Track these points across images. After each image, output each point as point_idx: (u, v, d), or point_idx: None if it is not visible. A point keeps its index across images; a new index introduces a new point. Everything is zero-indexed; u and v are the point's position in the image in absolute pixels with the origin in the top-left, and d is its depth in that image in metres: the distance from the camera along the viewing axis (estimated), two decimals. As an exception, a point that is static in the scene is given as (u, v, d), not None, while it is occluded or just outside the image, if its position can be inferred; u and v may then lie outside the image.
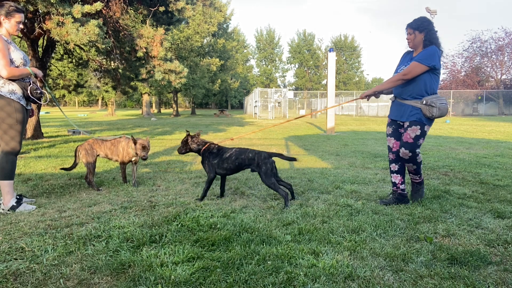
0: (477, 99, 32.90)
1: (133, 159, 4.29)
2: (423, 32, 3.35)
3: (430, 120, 3.40)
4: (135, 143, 4.17)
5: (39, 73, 3.56)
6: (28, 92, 3.38)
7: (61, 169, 4.49)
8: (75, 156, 4.27)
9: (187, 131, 3.97)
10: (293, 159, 3.90)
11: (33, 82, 3.49)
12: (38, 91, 3.48)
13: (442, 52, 3.40)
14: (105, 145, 4.27)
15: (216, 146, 3.79)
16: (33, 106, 3.76)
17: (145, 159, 4.19)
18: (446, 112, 3.39)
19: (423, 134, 3.40)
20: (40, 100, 3.50)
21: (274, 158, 3.63)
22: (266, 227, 2.85)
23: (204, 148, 3.78)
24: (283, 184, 3.71)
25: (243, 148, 3.70)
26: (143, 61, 9.76)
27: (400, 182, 3.57)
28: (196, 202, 3.61)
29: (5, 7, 3.35)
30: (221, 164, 3.66)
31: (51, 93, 4.14)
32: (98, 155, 4.28)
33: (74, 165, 4.32)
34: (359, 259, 2.31)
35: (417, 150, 3.44)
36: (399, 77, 3.39)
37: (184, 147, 3.86)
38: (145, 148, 4.18)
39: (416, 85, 3.39)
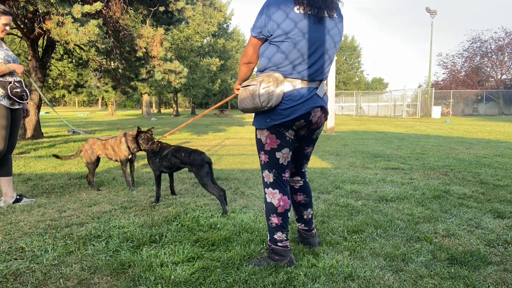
0: (477, 99, 32.87)
1: (129, 156, 4.18)
2: None
3: (259, 121, 2.14)
4: (125, 135, 4.04)
5: (19, 68, 3.39)
6: (8, 91, 3.29)
7: (53, 155, 4.57)
8: (77, 152, 4.32)
9: (138, 127, 3.94)
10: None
11: (16, 81, 3.37)
12: (19, 90, 3.35)
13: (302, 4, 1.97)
14: (105, 145, 4.26)
15: (159, 144, 3.75)
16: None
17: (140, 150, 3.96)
18: (246, 103, 2.08)
19: (258, 145, 2.21)
20: (22, 99, 3.41)
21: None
22: (266, 227, 2.85)
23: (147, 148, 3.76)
24: (217, 187, 3.53)
25: (178, 147, 3.65)
26: (143, 61, 9.76)
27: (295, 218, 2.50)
28: (196, 202, 3.61)
29: None
30: (161, 162, 3.64)
31: (38, 90, 4.10)
32: (99, 155, 4.27)
33: (68, 157, 4.41)
34: (359, 259, 2.31)
35: (263, 175, 2.23)
36: (240, 62, 2.22)
37: (136, 145, 3.87)
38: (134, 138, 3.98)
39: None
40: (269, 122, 2.08)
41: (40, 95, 9.62)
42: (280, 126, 2.08)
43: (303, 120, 2.09)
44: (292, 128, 2.11)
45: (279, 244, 2.20)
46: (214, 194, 3.33)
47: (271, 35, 2.00)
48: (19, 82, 3.42)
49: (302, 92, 2.04)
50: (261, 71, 2.10)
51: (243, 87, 2.12)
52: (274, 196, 2.19)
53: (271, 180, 2.19)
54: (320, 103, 2.10)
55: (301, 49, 2.00)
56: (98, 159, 4.28)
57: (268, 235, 2.24)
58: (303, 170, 2.42)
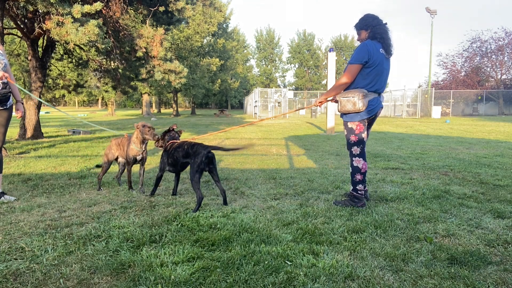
0: (477, 99, 32.84)
1: (138, 157, 4.04)
2: (368, 30, 3.48)
3: (354, 118, 3.39)
4: (143, 126, 3.91)
5: None
6: None
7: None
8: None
9: (173, 126, 3.92)
10: (235, 149, 3.78)
11: None
12: None
13: (388, 45, 3.40)
14: (119, 145, 4.21)
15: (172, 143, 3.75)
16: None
17: (157, 137, 3.87)
18: (348, 108, 3.33)
19: (350, 131, 3.47)
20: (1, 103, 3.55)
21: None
22: (266, 227, 2.85)
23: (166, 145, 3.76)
24: (218, 186, 3.53)
25: (182, 141, 3.64)
26: (143, 61, 9.76)
27: None
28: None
29: None
30: (168, 159, 3.63)
31: (27, 92, 4.21)
32: (118, 156, 4.26)
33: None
34: (359, 259, 2.32)
35: (352, 150, 3.47)
36: (341, 83, 3.45)
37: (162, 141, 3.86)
38: (150, 128, 3.90)
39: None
40: (361, 117, 3.38)
41: (39, 96, 9.62)
42: (366, 119, 3.42)
43: (375, 115, 3.50)
44: (368, 118, 3.45)
45: (359, 192, 3.41)
46: (196, 194, 3.31)
47: (367, 62, 3.31)
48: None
49: (375, 100, 3.41)
50: (355, 87, 3.38)
51: (343, 97, 3.34)
52: (359, 162, 3.43)
53: (358, 152, 3.44)
54: (382, 105, 3.52)
55: (378, 74, 3.37)
56: (116, 160, 4.32)
57: (351, 187, 3.48)
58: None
